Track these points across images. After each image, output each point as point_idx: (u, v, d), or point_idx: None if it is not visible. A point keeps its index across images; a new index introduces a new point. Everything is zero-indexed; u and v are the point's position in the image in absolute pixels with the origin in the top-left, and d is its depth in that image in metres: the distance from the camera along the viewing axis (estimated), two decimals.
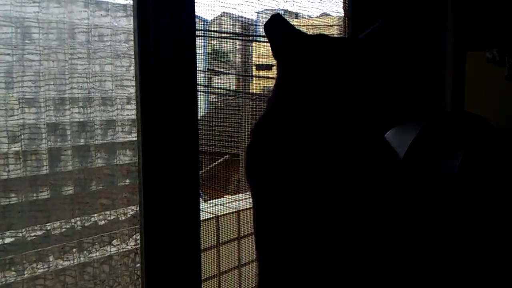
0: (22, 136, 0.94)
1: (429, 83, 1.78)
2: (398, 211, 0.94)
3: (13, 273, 0.94)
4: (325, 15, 1.78)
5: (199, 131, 1.20)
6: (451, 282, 1.09)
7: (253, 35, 1.82)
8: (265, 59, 1.77)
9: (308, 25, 1.79)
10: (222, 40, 1.85)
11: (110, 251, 1.07)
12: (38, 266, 0.97)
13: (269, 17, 1.05)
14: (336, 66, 0.99)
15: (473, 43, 1.73)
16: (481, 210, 1.13)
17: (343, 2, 1.71)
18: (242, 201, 1.76)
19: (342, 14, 1.73)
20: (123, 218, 1.09)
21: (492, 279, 1.12)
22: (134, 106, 1.09)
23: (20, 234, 0.95)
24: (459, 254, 1.11)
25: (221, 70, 1.85)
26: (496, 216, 1.15)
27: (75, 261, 1.02)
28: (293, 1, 1.61)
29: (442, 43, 1.77)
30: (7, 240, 0.94)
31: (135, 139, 1.10)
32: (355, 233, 0.88)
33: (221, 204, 1.74)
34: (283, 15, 1.06)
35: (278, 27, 1.03)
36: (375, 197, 0.91)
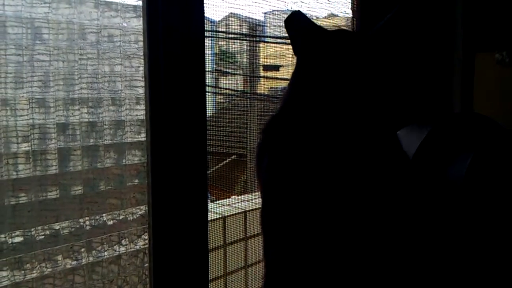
0: (32, 136, 0.94)
1: (438, 84, 1.78)
2: (406, 212, 0.93)
3: (22, 272, 0.94)
4: (333, 16, 1.78)
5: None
6: (460, 284, 1.08)
7: (260, 36, 1.82)
8: (273, 60, 1.77)
9: None
10: (229, 40, 1.85)
11: (119, 251, 1.08)
12: (47, 266, 0.98)
13: (289, 13, 1.04)
14: (354, 60, 0.98)
15: (483, 44, 1.72)
16: (490, 213, 1.13)
17: (351, 3, 1.70)
18: (249, 201, 1.76)
19: (350, 15, 1.72)
20: (132, 218, 1.10)
21: (502, 281, 1.11)
22: (143, 107, 1.09)
23: (29, 234, 0.95)
24: (466, 256, 1.10)
25: (228, 70, 1.86)
26: (505, 219, 1.14)
27: (84, 260, 1.02)
28: (301, 1, 1.61)
29: (451, 44, 1.76)
30: (17, 239, 0.94)
31: (144, 139, 1.10)
32: (364, 233, 0.88)
33: (228, 205, 1.74)
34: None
35: (299, 22, 1.03)
36: (384, 197, 0.90)
